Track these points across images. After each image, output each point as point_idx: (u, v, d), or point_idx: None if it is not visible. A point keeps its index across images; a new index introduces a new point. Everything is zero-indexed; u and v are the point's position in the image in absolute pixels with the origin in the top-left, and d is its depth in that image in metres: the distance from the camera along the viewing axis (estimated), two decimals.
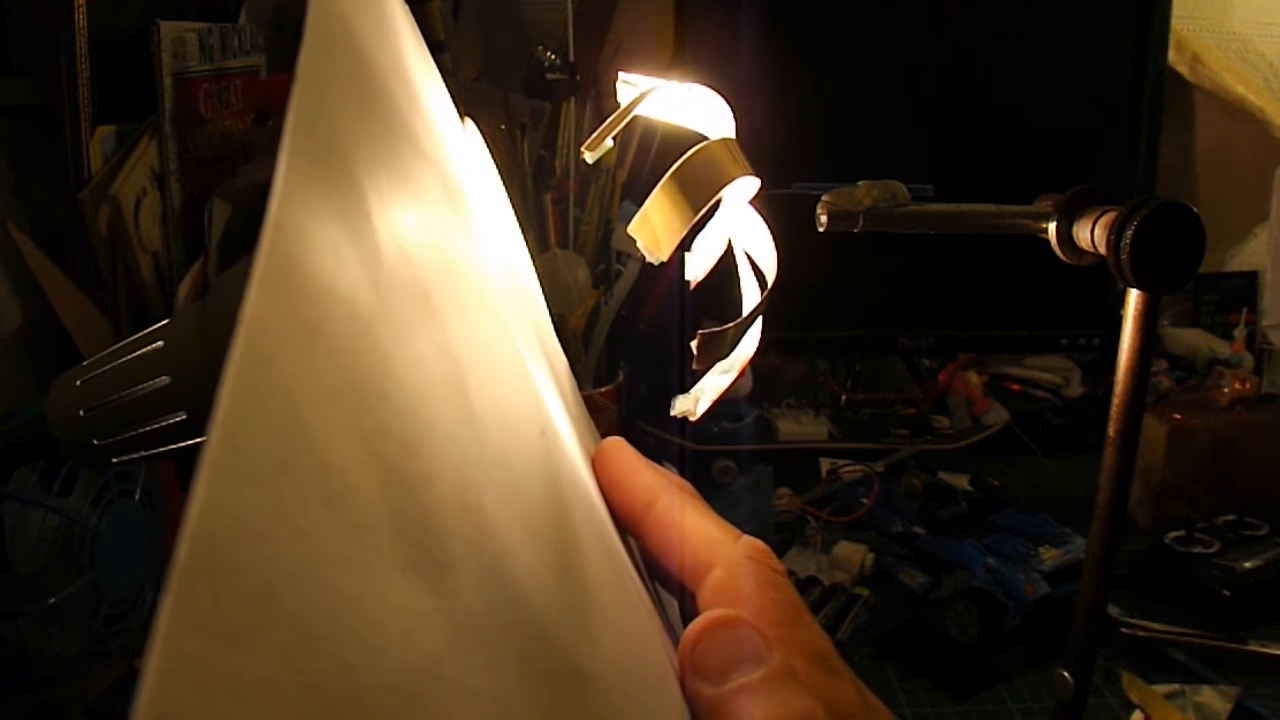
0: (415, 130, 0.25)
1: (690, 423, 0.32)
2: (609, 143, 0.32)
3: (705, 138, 0.30)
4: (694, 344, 0.30)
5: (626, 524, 0.29)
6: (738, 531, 0.28)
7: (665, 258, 0.29)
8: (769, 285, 0.31)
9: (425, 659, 0.16)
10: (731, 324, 0.30)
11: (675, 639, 0.27)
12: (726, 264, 0.33)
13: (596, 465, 0.29)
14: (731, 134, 0.31)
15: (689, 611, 0.27)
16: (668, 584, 0.29)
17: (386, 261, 0.20)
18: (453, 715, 0.16)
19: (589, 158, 0.32)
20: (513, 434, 0.24)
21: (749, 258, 0.32)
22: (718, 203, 0.30)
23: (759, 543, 0.27)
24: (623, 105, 0.32)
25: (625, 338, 0.98)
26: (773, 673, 0.23)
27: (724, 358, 0.30)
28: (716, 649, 0.23)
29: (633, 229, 0.29)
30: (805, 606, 0.26)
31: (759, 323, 0.33)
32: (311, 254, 0.17)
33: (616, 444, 0.30)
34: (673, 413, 0.32)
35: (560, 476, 0.26)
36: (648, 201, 0.29)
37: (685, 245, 0.33)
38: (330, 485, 0.15)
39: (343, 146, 0.19)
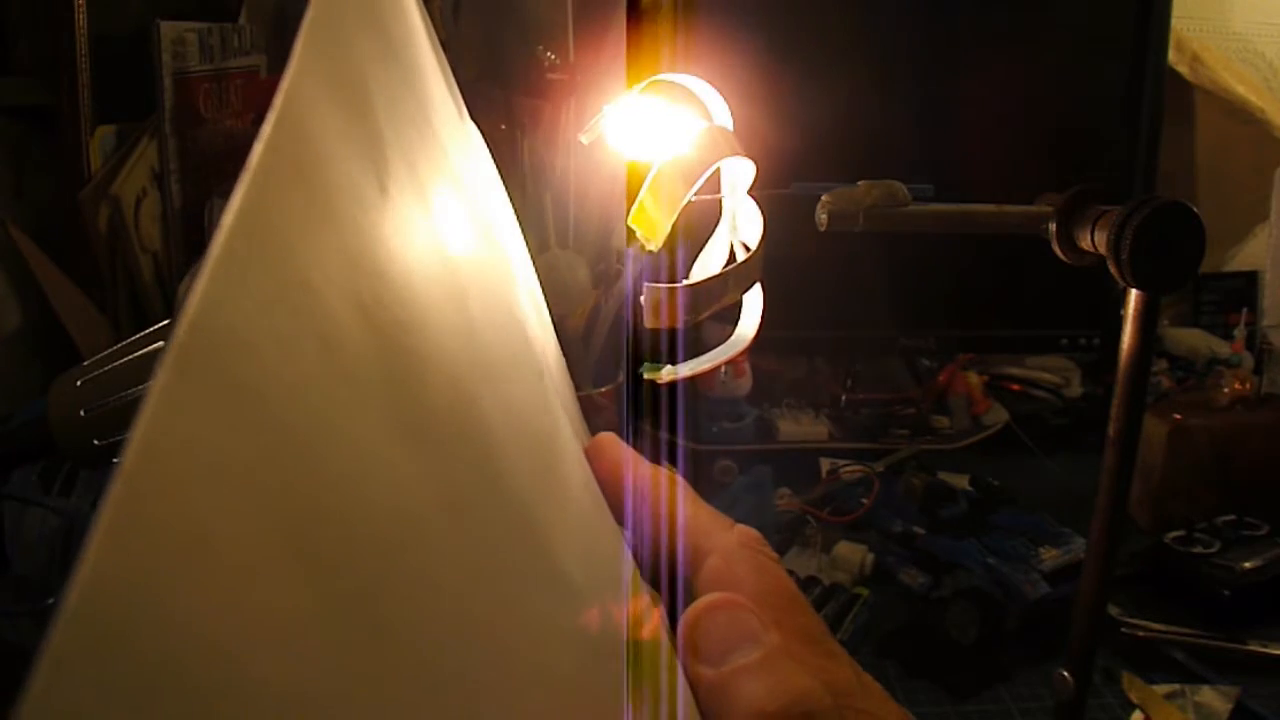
0: (429, 90, 0.26)
1: (680, 417, 0.32)
2: (604, 124, 0.33)
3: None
4: (642, 298, 0.30)
5: (619, 516, 0.29)
6: (731, 521, 0.28)
7: (660, 243, 0.29)
8: (752, 252, 0.31)
9: (408, 513, 0.16)
10: (683, 284, 0.30)
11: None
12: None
13: (590, 458, 0.29)
14: (728, 124, 0.31)
15: (682, 601, 0.27)
16: (656, 575, 0.29)
17: (392, 165, 0.20)
18: (433, 569, 0.17)
19: (585, 139, 0.33)
20: (510, 362, 0.24)
21: (745, 246, 0.33)
22: (713, 187, 0.30)
23: (753, 531, 0.28)
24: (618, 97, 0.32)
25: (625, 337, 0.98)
26: (771, 653, 0.23)
27: (686, 323, 0.30)
28: (715, 631, 0.24)
29: (631, 219, 0.29)
30: (800, 592, 0.27)
31: (758, 306, 0.33)
32: (321, 134, 0.17)
33: (609, 438, 0.30)
34: (639, 370, 0.32)
35: (559, 429, 0.26)
36: (642, 190, 0.29)
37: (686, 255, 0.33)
38: (325, 329, 0.15)
39: (355, 64, 0.20)
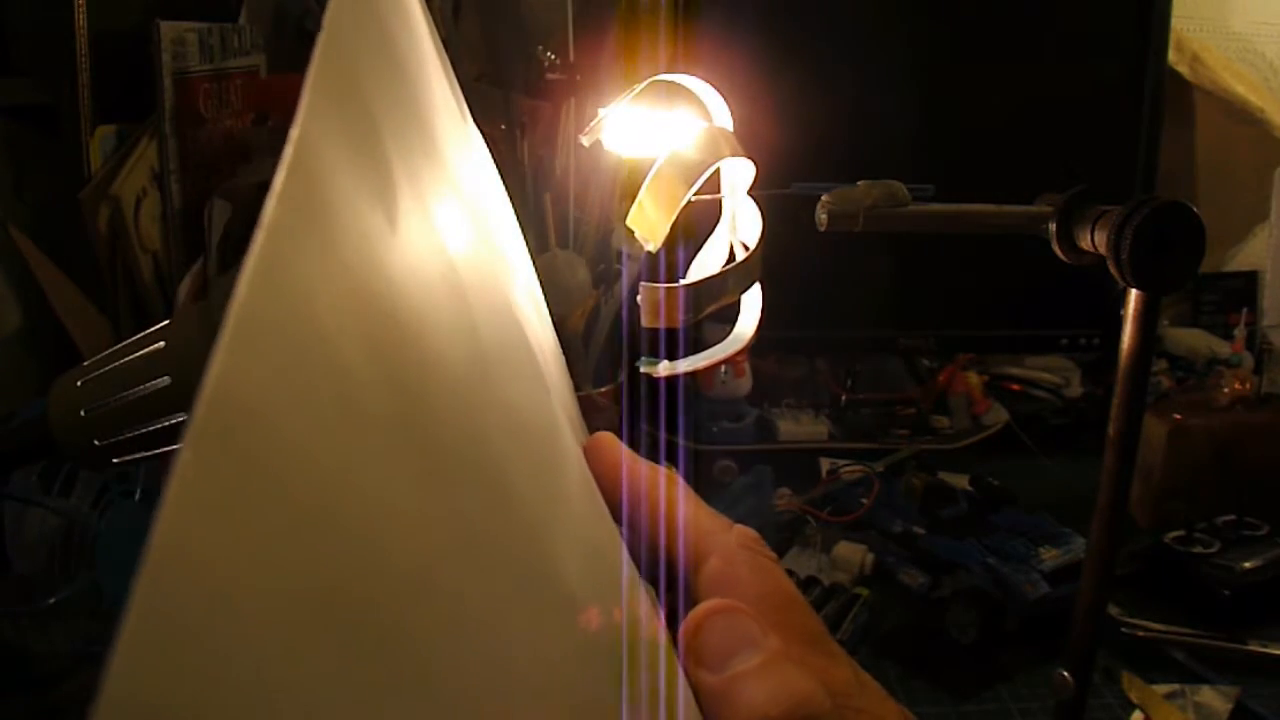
0: (431, 106, 0.26)
1: (680, 417, 0.32)
2: (605, 127, 0.33)
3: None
4: (638, 297, 0.30)
5: (619, 516, 0.29)
6: (729, 521, 0.28)
7: (659, 244, 0.29)
8: (751, 251, 0.31)
9: (427, 556, 0.17)
10: (680, 283, 0.30)
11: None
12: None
13: (588, 457, 0.29)
14: (728, 125, 0.31)
15: (683, 602, 0.27)
16: (654, 576, 0.29)
17: (402, 203, 0.21)
18: (452, 608, 0.17)
19: (585, 141, 0.33)
20: (516, 376, 0.25)
21: (744, 246, 0.33)
22: (713, 188, 0.30)
23: (751, 531, 0.28)
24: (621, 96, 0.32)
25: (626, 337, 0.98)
26: (771, 657, 0.24)
27: (680, 323, 0.30)
28: (715, 636, 0.24)
29: (630, 220, 0.29)
30: (799, 592, 0.27)
31: (757, 306, 0.33)
32: (332, 177, 0.17)
33: (607, 438, 0.30)
34: (637, 364, 0.33)
35: (562, 438, 0.27)
36: (642, 190, 0.29)
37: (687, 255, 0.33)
38: (340, 383, 0.16)
39: (364, 98, 0.20)
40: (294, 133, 0.16)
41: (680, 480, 0.29)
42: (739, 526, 0.28)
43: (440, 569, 0.17)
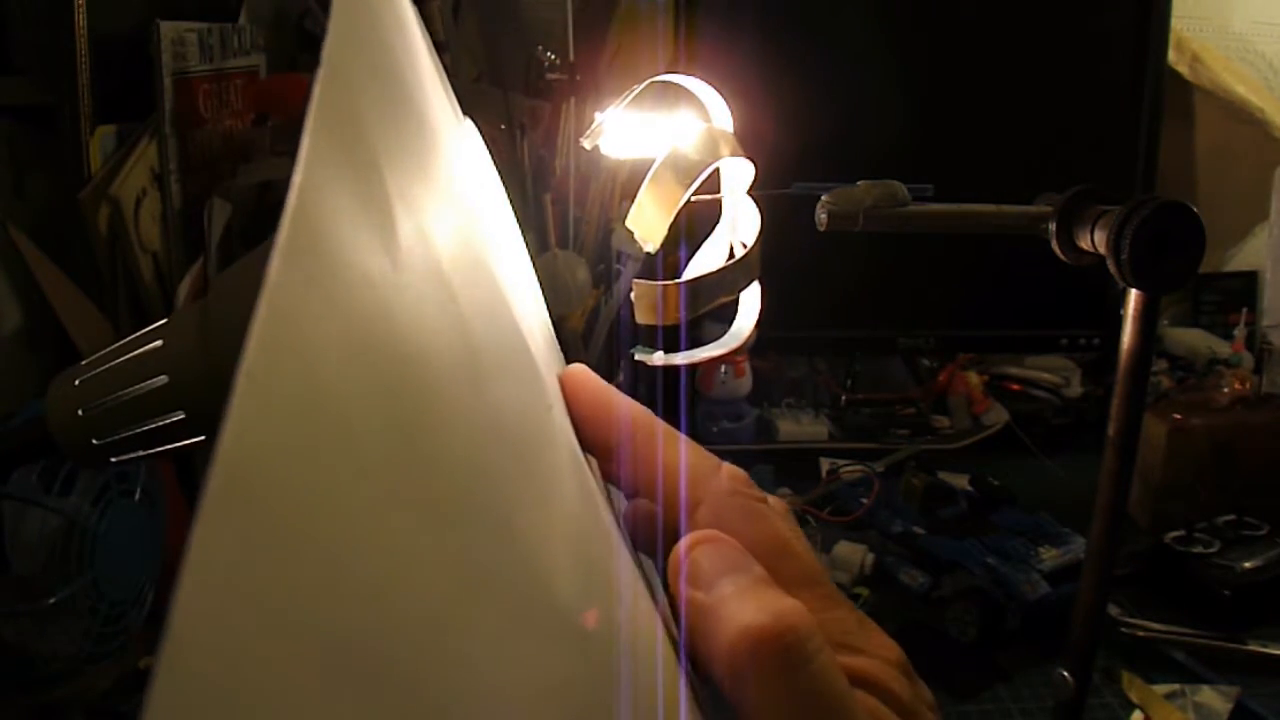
0: (431, 122, 0.26)
1: (682, 417, 0.32)
2: (605, 130, 0.33)
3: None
4: (632, 295, 0.30)
5: (600, 456, 0.29)
6: (717, 461, 0.28)
7: (658, 244, 0.29)
8: (749, 249, 0.31)
9: (437, 600, 0.17)
10: (671, 282, 0.30)
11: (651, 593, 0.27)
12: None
13: (566, 395, 0.29)
14: (728, 125, 0.31)
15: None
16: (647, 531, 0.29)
17: (403, 238, 0.21)
18: (461, 648, 0.17)
19: (586, 144, 0.33)
20: (520, 404, 0.25)
21: (744, 246, 0.33)
22: (712, 188, 0.30)
23: (740, 472, 0.28)
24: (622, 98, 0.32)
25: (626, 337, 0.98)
26: (759, 578, 0.24)
27: (676, 320, 0.30)
28: (706, 559, 0.25)
29: (629, 220, 0.29)
30: (791, 534, 0.27)
31: (755, 304, 0.33)
32: (332, 226, 0.18)
33: (583, 372, 0.29)
34: (632, 352, 0.33)
35: (563, 450, 0.27)
36: (641, 191, 0.29)
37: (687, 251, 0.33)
38: (348, 437, 0.16)
39: (364, 131, 0.20)
40: (296, 179, 0.16)
41: (660, 421, 0.29)
42: (726, 466, 0.28)
43: (449, 609, 0.17)
